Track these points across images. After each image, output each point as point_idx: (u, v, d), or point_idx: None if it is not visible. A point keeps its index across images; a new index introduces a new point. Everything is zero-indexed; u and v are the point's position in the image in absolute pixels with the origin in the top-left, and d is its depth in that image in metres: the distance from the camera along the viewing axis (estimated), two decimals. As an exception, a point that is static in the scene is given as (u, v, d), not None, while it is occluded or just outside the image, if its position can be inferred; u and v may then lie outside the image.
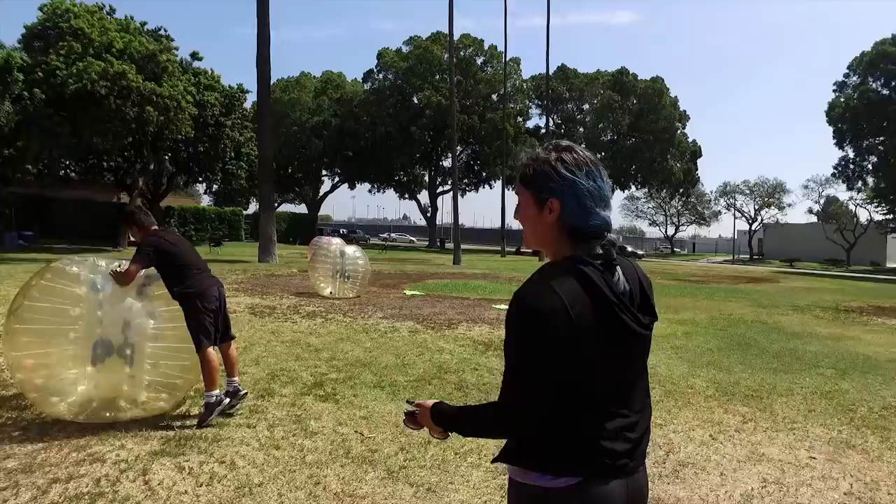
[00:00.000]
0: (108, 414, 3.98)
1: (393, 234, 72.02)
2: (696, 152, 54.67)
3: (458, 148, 49.55)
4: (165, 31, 24.82)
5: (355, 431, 4.11)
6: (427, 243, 54.34)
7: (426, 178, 53.01)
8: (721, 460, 3.84)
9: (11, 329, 3.89)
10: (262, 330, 7.74)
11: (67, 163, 25.72)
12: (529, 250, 38.37)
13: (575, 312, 1.24)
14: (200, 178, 31.63)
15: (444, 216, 57.19)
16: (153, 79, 20.96)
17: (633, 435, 1.34)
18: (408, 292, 13.55)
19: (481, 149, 46.50)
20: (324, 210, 65.81)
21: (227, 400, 4.21)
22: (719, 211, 67.42)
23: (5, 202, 24.92)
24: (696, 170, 55.51)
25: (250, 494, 3.09)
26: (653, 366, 6.57)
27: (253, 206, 47.15)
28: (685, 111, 53.53)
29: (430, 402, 1.51)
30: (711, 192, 69.83)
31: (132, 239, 4.30)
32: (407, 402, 1.69)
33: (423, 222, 62.78)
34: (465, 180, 51.13)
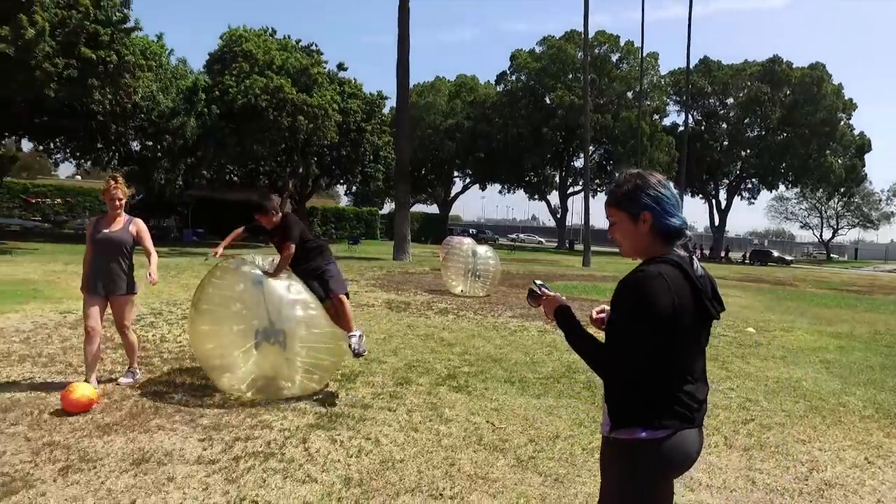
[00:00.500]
0: (270, 390, 4.57)
1: (521, 235, 71.97)
2: (863, 146, 48.72)
3: (591, 148, 48.42)
4: (316, 46, 27.05)
5: (487, 421, 4.36)
6: (556, 244, 53.73)
7: (556, 178, 52.43)
8: (879, 486, 3.58)
9: (193, 318, 4.68)
10: (398, 324, 8.29)
11: (232, 169, 28.89)
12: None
13: (677, 295, 1.60)
14: (341, 181, 33.95)
15: (573, 217, 56.13)
16: (305, 90, 22.95)
17: (700, 396, 1.73)
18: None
19: (614, 148, 45.08)
20: (454, 210, 67.60)
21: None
22: (892, 212, 59.41)
23: (185, 203, 28.63)
24: (863, 166, 49.45)
25: (393, 468, 3.45)
26: (796, 379, 6.15)
27: (387, 207, 49.71)
28: (851, 99, 47.88)
29: (560, 300, 1.87)
30: (882, 192, 61.72)
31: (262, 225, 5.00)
32: (536, 282, 1.95)
33: (551, 223, 62.10)
34: (597, 181, 49.78)
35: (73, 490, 2.97)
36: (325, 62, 26.11)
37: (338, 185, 38.73)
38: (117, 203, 4.55)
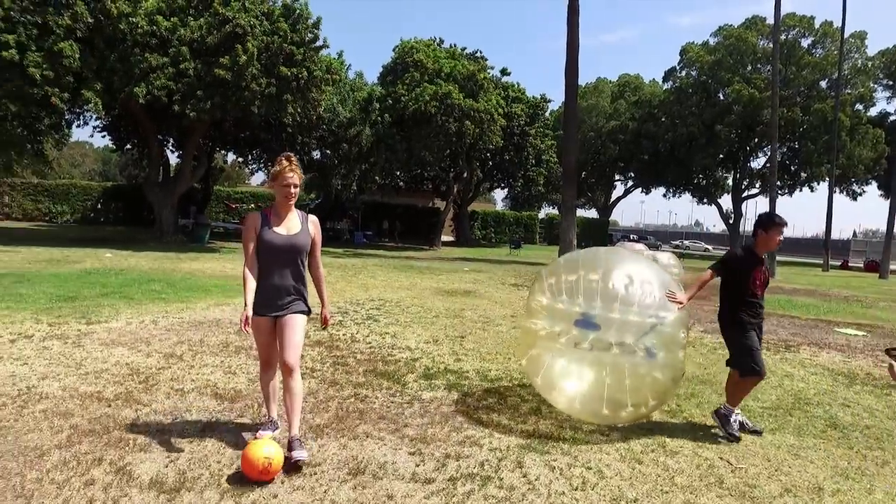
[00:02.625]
0: (594, 414, 4.07)
1: (686, 242, 66.91)
2: None
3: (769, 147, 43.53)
4: (481, 52, 27.35)
5: (720, 458, 3.71)
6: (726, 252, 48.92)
7: (729, 180, 47.85)
8: None
9: (523, 330, 4.64)
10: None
11: (398, 175, 30.21)
12: (860, 265, 31.29)
13: None
14: (503, 185, 33.95)
15: (746, 223, 50.56)
16: (471, 96, 23.24)
17: None
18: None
19: (802, 145, 39.96)
20: (611, 216, 64.67)
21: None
22: None
23: (357, 208, 30.55)
24: None
25: (625, 507, 2.98)
26: None
27: (544, 211, 48.94)
28: None
29: None
30: None
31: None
32: (887, 351, 1.56)
33: (715, 229, 56.82)
34: (779, 182, 44.55)
35: (300, 496, 2.91)
36: (492, 67, 26.26)
37: (498, 189, 38.86)
38: (292, 191, 3.39)
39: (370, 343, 6.39)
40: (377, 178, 26.02)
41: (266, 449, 3.00)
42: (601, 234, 42.64)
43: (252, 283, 3.36)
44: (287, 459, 3.14)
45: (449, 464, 3.38)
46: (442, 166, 29.89)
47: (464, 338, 7.02)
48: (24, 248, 14.30)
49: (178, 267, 12.67)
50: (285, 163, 3.38)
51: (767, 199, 48.11)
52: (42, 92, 14.32)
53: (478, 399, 4.66)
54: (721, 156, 43.97)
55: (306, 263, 3.52)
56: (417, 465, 3.32)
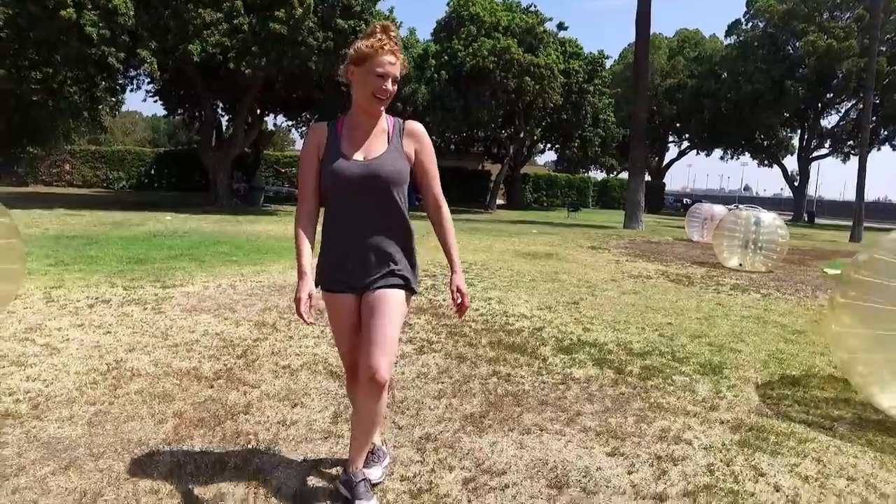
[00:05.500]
0: None
1: (741, 206, 64.00)
2: None
3: (849, 102, 40.48)
4: (535, 6, 25.72)
5: None
6: (790, 216, 46.41)
7: (794, 140, 45.00)
8: None
9: (838, 303, 3.53)
10: (708, 302, 6.79)
11: (451, 136, 29.13)
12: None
13: None
14: (558, 146, 32.54)
15: (816, 186, 47.41)
16: (530, 51, 21.85)
17: None
18: (828, 271, 11.12)
19: (886, 99, 36.93)
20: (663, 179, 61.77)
21: None
22: None
23: (406, 171, 29.61)
24: None
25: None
26: None
27: (596, 174, 47.14)
28: None
29: None
30: None
31: None
32: None
33: (766, 193, 53.83)
34: (851, 141, 41.58)
35: (502, 520, 2.12)
36: (549, 18, 24.68)
37: (552, 151, 37.40)
38: (387, 87, 2.02)
39: (478, 310, 5.60)
40: (433, 138, 25.02)
41: None
42: (658, 198, 40.77)
43: (306, 245, 2.10)
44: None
45: (669, 470, 2.54)
46: (496, 126, 28.68)
47: (577, 304, 6.16)
48: (87, 212, 14.04)
49: (240, 229, 12.15)
50: (381, 36, 2.00)
51: (838, 160, 45.14)
52: (99, 52, 13.81)
53: (640, 377, 3.82)
54: (787, 114, 41.19)
55: (405, 204, 2.14)
56: (630, 473, 2.50)
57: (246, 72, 15.14)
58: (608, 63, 30.19)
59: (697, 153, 50.12)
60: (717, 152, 48.45)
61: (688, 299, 6.88)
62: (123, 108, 30.04)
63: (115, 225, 11.61)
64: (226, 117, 24.24)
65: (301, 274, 2.07)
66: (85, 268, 6.71)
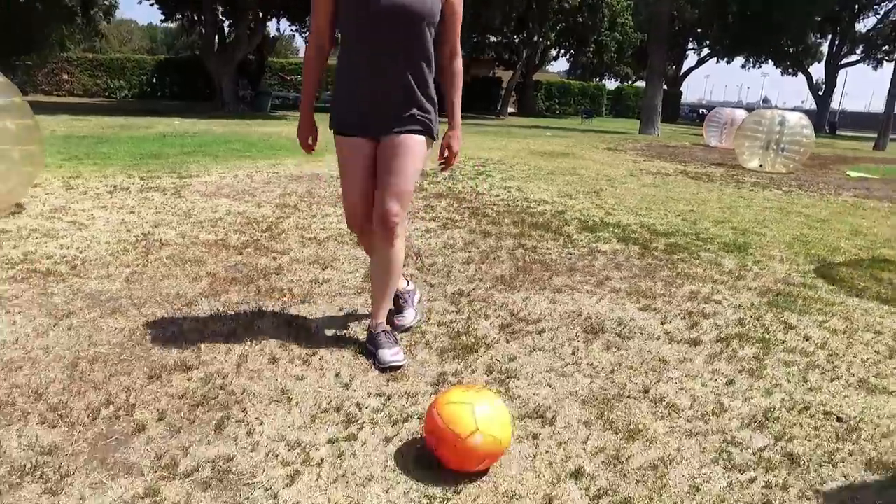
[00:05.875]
0: None
1: (764, 104, 62.12)
2: None
3: (889, 2, 38.11)
4: None
5: None
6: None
7: (823, 47, 42.88)
8: None
9: None
10: (721, 193, 6.71)
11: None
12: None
13: None
14: (572, 52, 31.24)
15: (841, 98, 45.49)
16: (546, -58, 20.45)
17: None
18: (851, 173, 10.92)
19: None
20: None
21: None
22: None
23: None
24: None
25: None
26: None
27: (607, 83, 45.48)
28: None
29: None
30: None
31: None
32: None
33: (786, 106, 51.99)
34: (886, 47, 39.60)
35: (542, 359, 2.16)
36: None
37: (564, 59, 35.94)
38: None
39: (498, 196, 5.55)
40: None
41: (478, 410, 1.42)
42: (673, 106, 39.50)
43: (311, 85, 2.07)
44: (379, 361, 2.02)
45: (701, 322, 2.57)
46: (508, 31, 27.42)
47: (598, 193, 6.10)
48: (92, 117, 13.79)
49: (251, 130, 11.95)
50: None
51: (869, 66, 43.13)
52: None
53: (665, 252, 3.82)
54: (818, 18, 38.93)
55: (432, 46, 1.97)
56: (663, 324, 2.53)
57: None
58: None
59: (717, 61, 48.03)
60: (739, 61, 46.51)
61: (708, 192, 6.80)
62: (118, 15, 28.82)
63: (122, 127, 11.43)
64: (227, 22, 23.25)
65: (303, 109, 2.09)
66: (99, 162, 6.65)
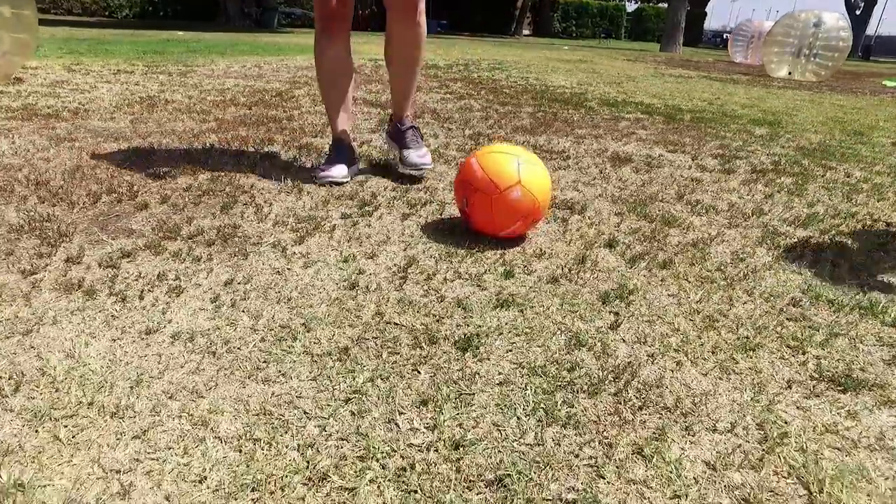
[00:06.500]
0: None
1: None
2: None
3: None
4: None
5: None
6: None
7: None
8: None
9: None
10: (750, 91, 6.39)
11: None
12: None
13: None
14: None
15: (880, 22, 42.81)
16: None
17: None
18: (888, 83, 10.38)
19: None
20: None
21: None
22: None
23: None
24: None
25: None
26: None
27: (628, 4, 43.37)
28: None
29: None
30: None
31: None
32: None
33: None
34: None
35: (590, 193, 2.04)
36: None
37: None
38: None
39: (516, 81, 5.31)
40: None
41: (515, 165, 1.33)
42: (696, 29, 37.74)
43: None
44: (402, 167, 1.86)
45: (734, 161, 2.43)
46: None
47: (619, 84, 5.83)
48: (94, 30, 13.38)
49: (259, 39, 11.54)
50: None
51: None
52: None
53: (691, 122, 3.62)
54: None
55: None
56: (694, 160, 2.39)
57: None
58: None
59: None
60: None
61: (734, 89, 6.49)
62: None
63: (124, 35, 11.08)
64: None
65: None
66: (101, 56, 6.44)
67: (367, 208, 1.54)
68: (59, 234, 1.30)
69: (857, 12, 40.93)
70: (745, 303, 1.13)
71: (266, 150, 2.20)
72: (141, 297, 1.02)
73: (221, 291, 1.06)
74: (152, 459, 0.66)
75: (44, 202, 1.50)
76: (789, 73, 9.86)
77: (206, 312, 0.98)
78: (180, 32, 13.03)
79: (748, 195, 1.92)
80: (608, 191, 1.85)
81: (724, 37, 47.78)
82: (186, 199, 1.57)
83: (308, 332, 0.94)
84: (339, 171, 1.76)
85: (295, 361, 0.86)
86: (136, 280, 1.09)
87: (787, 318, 1.08)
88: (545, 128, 2.94)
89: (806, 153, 2.73)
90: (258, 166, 1.95)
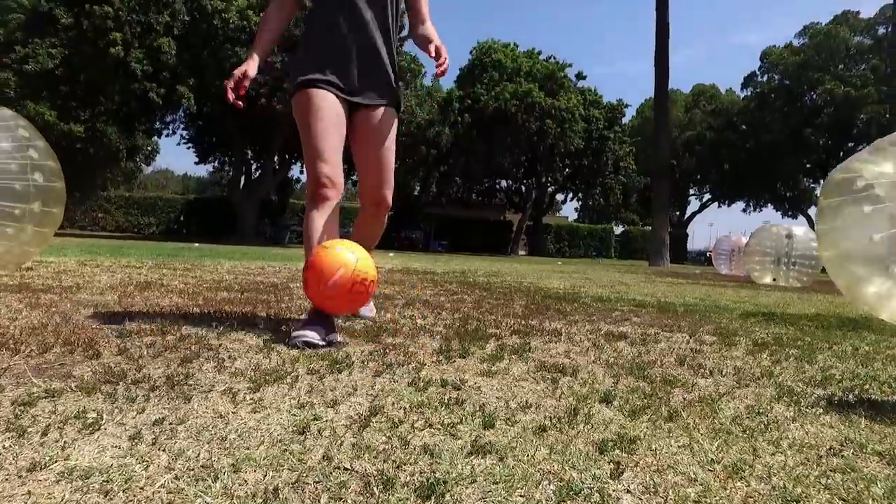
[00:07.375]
0: None
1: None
2: None
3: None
4: (555, 57, 26.55)
5: None
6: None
7: (817, 191, 44.58)
8: None
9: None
10: (739, 293, 6.53)
11: (472, 186, 29.47)
12: None
13: None
14: (580, 195, 32.67)
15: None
16: (551, 95, 22.35)
17: None
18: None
19: (910, 148, 36.62)
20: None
21: None
22: None
23: (425, 218, 30.00)
24: None
25: None
26: None
27: (616, 227, 46.95)
28: None
29: None
30: None
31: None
32: None
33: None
34: None
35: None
36: (569, 65, 25.38)
37: (571, 201, 37.53)
38: None
39: (510, 284, 5.43)
40: (457, 178, 25.33)
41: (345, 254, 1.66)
42: (680, 247, 40.30)
43: (267, 33, 2.03)
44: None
45: (735, 339, 2.32)
46: (518, 175, 29.02)
47: (612, 287, 5.97)
48: (119, 241, 14.30)
49: (269, 252, 12.21)
50: None
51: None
52: (142, 87, 14.47)
53: (686, 312, 3.60)
54: (808, 164, 40.99)
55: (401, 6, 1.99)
56: (691, 337, 2.29)
57: (277, 107, 15.65)
58: (629, 113, 30.62)
59: (719, 205, 49.83)
60: (739, 204, 48.10)
61: (724, 290, 6.64)
62: (157, 163, 31.14)
63: (145, 245, 11.78)
64: (254, 165, 24.95)
65: (250, 55, 1.96)
66: (116, 256, 6.75)
67: (338, 366, 1.42)
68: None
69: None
70: (773, 454, 0.96)
71: (246, 321, 2.13)
72: (44, 434, 0.86)
73: (145, 430, 0.90)
74: None
75: (-11, 353, 1.38)
76: (774, 280, 10.20)
77: (116, 450, 0.82)
78: (196, 244, 13.90)
79: (754, 362, 1.79)
80: (602, 358, 1.73)
81: (708, 254, 50.93)
82: (145, 352, 1.45)
83: (235, 472, 0.76)
84: (317, 332, 1.66)
85: (208, 502, 0.68)
86: (48, 416, 0.93)
87: (831, 469, 0.90)
88: (538, 314, 2.90)
89: (807, 332, 2.65)
90: (234, 332, 1.86)
